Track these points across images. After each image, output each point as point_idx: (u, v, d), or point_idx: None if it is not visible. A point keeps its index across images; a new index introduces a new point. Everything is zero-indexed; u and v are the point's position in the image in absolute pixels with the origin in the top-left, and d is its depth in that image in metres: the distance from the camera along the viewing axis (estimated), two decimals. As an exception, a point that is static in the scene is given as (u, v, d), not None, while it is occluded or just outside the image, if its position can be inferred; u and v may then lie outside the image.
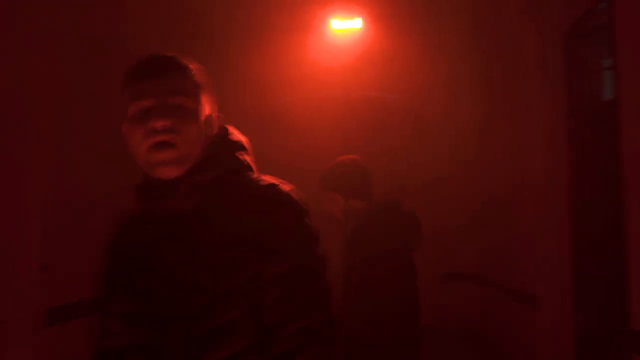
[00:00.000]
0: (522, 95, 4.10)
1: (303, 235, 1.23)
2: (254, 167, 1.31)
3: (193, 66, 1.26)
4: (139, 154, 1.19)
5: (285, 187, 1.26)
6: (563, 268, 3.58)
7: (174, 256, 1.21)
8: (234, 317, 1.16)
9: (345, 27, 5.05)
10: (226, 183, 1.25)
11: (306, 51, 5.19)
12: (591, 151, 3.42)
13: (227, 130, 1.32)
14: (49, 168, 2.94)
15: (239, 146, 1.31)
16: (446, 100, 5.55)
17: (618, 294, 2.80)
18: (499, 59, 4.72)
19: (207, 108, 1.26)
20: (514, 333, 4.44)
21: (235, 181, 1.26)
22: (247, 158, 1.31)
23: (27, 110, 2.82)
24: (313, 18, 4.94)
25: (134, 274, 1.24)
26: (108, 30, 3.59)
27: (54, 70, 2.98)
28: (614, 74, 2.86)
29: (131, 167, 1.32)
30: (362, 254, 2.51)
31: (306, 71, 5.26)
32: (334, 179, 2.65)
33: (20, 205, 2.77)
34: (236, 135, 1.33)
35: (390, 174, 4.18)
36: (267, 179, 1.28)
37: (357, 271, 2.53)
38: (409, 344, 2.51)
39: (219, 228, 1.21)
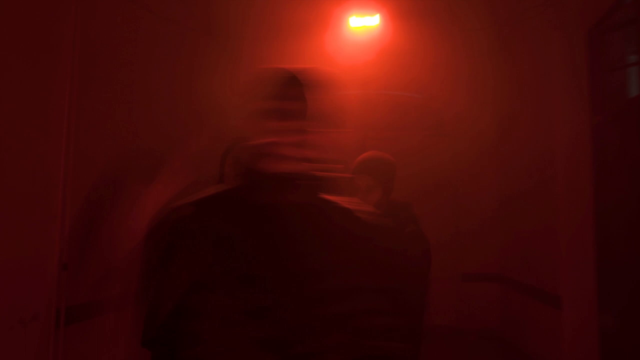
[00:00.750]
0: (545, 92, 4.02)
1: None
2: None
3: (322, 78, 1.42)
4: (266, 147, 1.34)
5: None
6: (587, 267, 3.53)
7: (300, 247, 1.32)
8: (348, 310, 1.29)
9: (364, 24, 4.98)
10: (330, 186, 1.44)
11: (324, 49, 5.14)
12: (616, 148, 3.36)
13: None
14: (69, 172, 2.96)
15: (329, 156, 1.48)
16: (467, 98, 5.46)
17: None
18: (521, 56, 4.62)
19: (322, 116, 1.40)
20: (536, 333, 4.36)
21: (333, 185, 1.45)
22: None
23: (52, 116, 2.84)
24: (331, 15, 4.90)
25: (250, 259, 1.31)
26: (121, 29, 3.59)
27: (76, 72, 3.00)
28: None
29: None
30: None
31: (325, 69, 5.20)
32: (366, 164, 2.70)
33: (45, 207, 2.79)
34: None
35: (407, 174, 4.14)
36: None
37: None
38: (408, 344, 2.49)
39: (334, 225, 1.37)
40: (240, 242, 1.31)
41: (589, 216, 3.53)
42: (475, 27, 4.90)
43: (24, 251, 2.67)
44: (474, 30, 4.95)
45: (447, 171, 5.44)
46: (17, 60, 2.63)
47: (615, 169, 3.36)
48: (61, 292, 2.85)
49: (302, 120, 1.35)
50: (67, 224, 2.91)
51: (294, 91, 1.36)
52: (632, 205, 3.03)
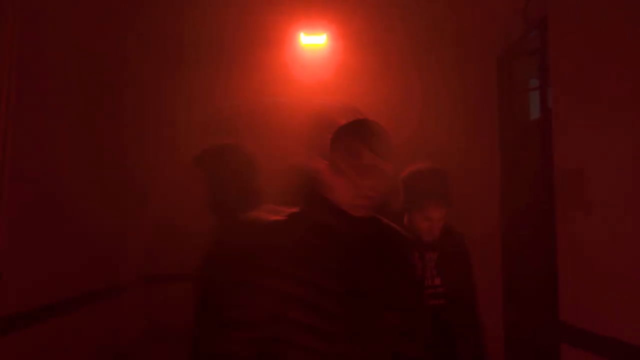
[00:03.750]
0: (459, 111, 4.32)
1: None
2: None
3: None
4: (344, 196, 1.47)
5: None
6: (492, 266, 3.86)
7: (377, 273, 1.52)
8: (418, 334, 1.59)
9: (314, 42, 4.97)
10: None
11: (276, 67, 5.05)
12: (521, 163, 3.75)
13: None
14: (6, 170, 2.78)
15: None
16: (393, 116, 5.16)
17: (545, 289, 3.02)
18: (439, 78, 4.64)
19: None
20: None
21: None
22: None
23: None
24: (284, 33, 4.88)
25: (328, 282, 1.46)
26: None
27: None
28: (542, 93, 3.17)
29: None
30: None
31: (276, 87, 5.10)
32: (440, 193, 2.34)
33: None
34: None
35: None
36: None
37: None
38: None
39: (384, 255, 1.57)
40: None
41: (496, 219, 3.99)
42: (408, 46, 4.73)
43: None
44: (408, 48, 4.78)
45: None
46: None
47: (520, 180, 3.76)
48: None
49: (381, 178, 1.45)
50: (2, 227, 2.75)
51: (382, 148, 1.45)
52: (533, 209, 3.43)
